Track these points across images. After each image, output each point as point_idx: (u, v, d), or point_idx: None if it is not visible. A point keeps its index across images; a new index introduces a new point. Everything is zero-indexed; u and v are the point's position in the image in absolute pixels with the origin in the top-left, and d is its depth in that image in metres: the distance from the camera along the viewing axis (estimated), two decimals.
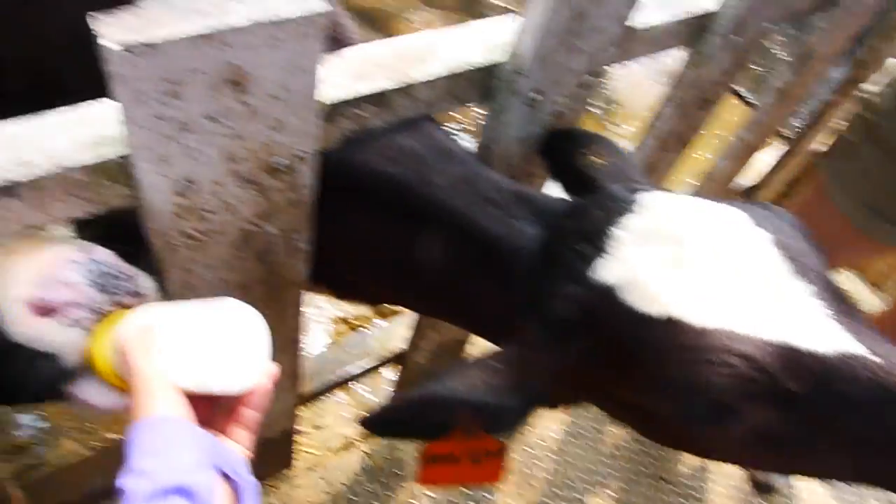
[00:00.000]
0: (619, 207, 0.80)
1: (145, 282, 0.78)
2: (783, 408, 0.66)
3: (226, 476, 0.63)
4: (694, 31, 1.25)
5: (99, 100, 0.73)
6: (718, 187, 2.03)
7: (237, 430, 0.72)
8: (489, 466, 0.94)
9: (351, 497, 1.92)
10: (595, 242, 0.77)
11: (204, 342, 0.69)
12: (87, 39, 0.60)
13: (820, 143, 2.65)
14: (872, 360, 0.65)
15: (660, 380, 0.69)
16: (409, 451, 2.04)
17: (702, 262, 0.71)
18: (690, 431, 0.72)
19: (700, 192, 2.07)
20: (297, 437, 1.97)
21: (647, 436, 0.86)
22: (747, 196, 2.49)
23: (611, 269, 0.74)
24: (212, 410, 0.72)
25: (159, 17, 0.61)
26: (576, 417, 2.24)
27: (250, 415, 0.73)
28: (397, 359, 1.99)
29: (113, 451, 1.59)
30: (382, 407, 0.80)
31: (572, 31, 0.96)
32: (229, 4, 0.64)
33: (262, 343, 0.73)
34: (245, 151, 0.77)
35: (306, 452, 2.05)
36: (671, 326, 0.67)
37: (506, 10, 3.25)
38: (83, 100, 0.75)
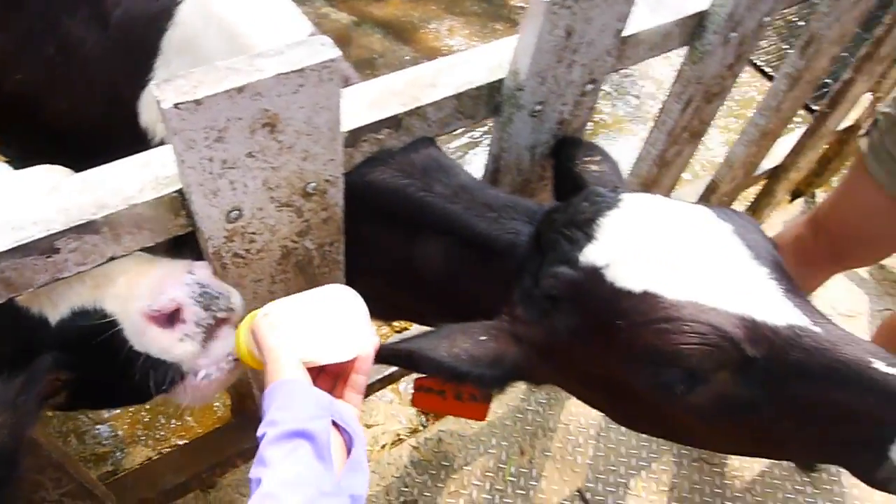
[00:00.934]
0: (605, 202, 0.91)
1: (236, 298, 0.94)
2: (743, 372, 0.76)
3: (338, 427, 0.77)
4: (689, 31, 1.33)
5: (158, 147, 0.87)
6: (739, 173, 2.08)
7: (349, 393, 0.86)
8: (473, 407, 1.09)
9: (402, 488, 2.04)
10: (584, 230, 0.88)
11: (315, 321, 0.84)
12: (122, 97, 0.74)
13: (852, 120, 2.66)
14: (815, 330, 0.76)
15: (637, 348, 0.78)
16: (455, 444, 2.15)
17: (674, 248, 0.82)
18: (663, 404, 0.82)
19: (721, 179, 2.13)
20: None
21: (620, 417, 0.96)
22: (772, 177, 2.52)
23: (597, 253, 0.85)
24: (328, 377, 0.86)
25: (204, 78, 0.74)
26: None
27: (359, 379, 0.86)
28: None
29: (183, 452, 1.75)
30: (383, 347, 0.91)
31: (566, 47, 1.06)
32: (259, 61, 0.77)
33: (362, 318, 0.88)
34: (280, 180, 0.90)
35: None
36: (648, 299, 0.78)
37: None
38: (120, 144, 0.91)
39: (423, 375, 1.25)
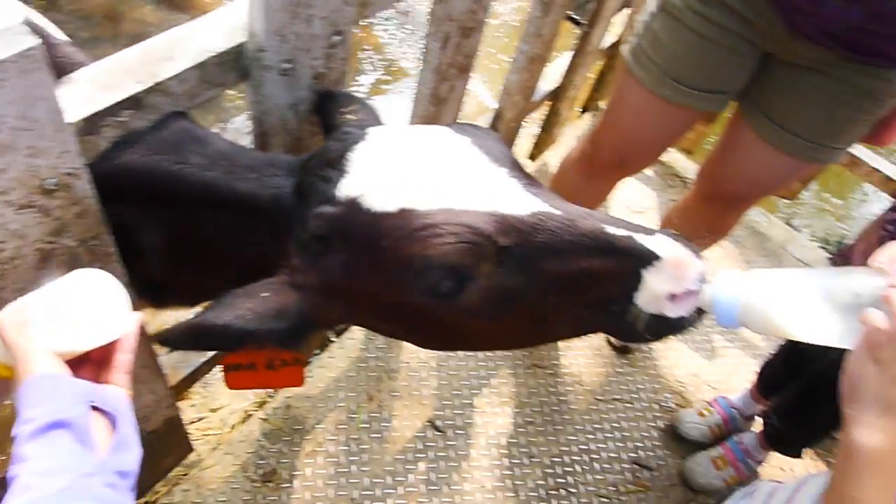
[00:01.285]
0: (352, 138, 0.97)
1: None
2: (501, 262, 0.86)
3: (104, 412, 0.77)
4: None
5: None
6: (518, 99, 2.23)
7: (117, 375, 0.85)
8: (288, 373, 1.13)
9: (258, 462, 2.05)
10: (336, 167, 0.93)
11: (65, 310, 0.81)
12: None
13: (616, 36, 2.90)
14: (555, 212, 0.87)
15: (403, 261, 0.85)
16: (304, 407, 2.18)
17: (420, 166, 0.89)
18: (444, 312, 0.90)
19: (504, 107, 2.26)
20: (189, 423, 2.07)
21: (418, 339, 1.04)
22: (554, 98, 2.72)
23: (351, 185, 0.90)
24: (92, 364, 0.85)
25: None
26: None
27: (122, 358, 0.86)
28: None
29: None
30: (168, 330, 0.93)
31: (299, 3, 1.07)
32: None
33: (117, 298, 0.87)
34: (11, 182, 0.85)
35: (208, 435, 2.15)
36: (404, 215, 0.85)
37: None
38: None
39: (227, 355, 1.25)
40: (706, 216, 2.00)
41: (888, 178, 2.72)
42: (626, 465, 2.27)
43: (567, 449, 2.26)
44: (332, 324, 1.07)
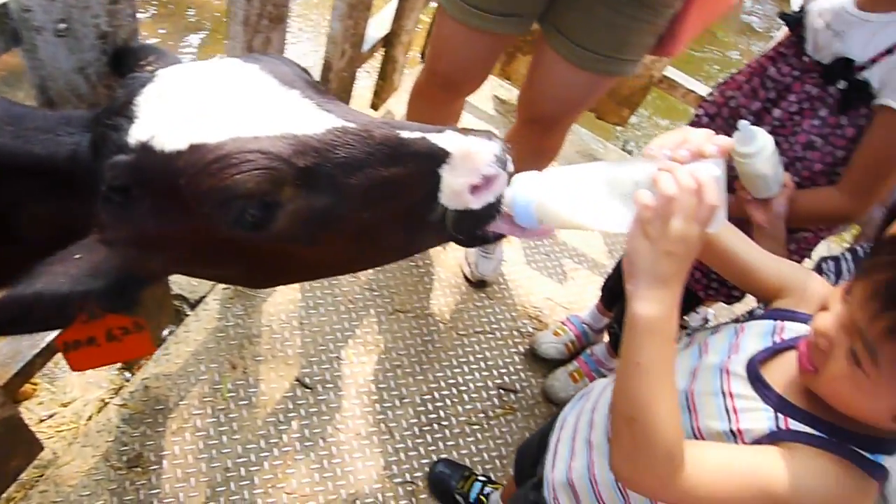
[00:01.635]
0: (139, 82, 0.92)
1: None
2: (305, 183, 0.86)
3: None
4: None
5: None
6: (347, 48, 2.20)
7: None
8: (133, 341, 1.08)
9: (122, 448, 1.98)
10: (125, 114, 0.89)
11: None
12: None
13: None
14: (350, 125, 0.88)
15: (203, 196, 0.83)
16: (164, 385, 2.11)
17: (209, 100, 0.87)
18: (262, 244, 0.89)
19: (331, 57, 2.23)
20: (38, 422, 1.96)
21: (246, 278, 1.02)
22: (387, 45, 2.71)
23: (141, 129, 0.87)
24: None
25: None
26: (309, 291, 2.44)
27: None
28: None
29: None
30: None
31: None
32: None
33: None
34: None
35: (62, 431, 2.04)
36: (196, 151, 0.83)
37: None
38: None
39: (59, 332, 1.17)
40: (531, 140, 2.13)
41: (701, 97, 2.97)
42: (493, 392, 2.40)
43: (436, 385, 2.35)
44: (157, 276, 1.02)
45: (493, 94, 3.36)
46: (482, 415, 2.33)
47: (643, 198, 0.83)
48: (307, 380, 2.24)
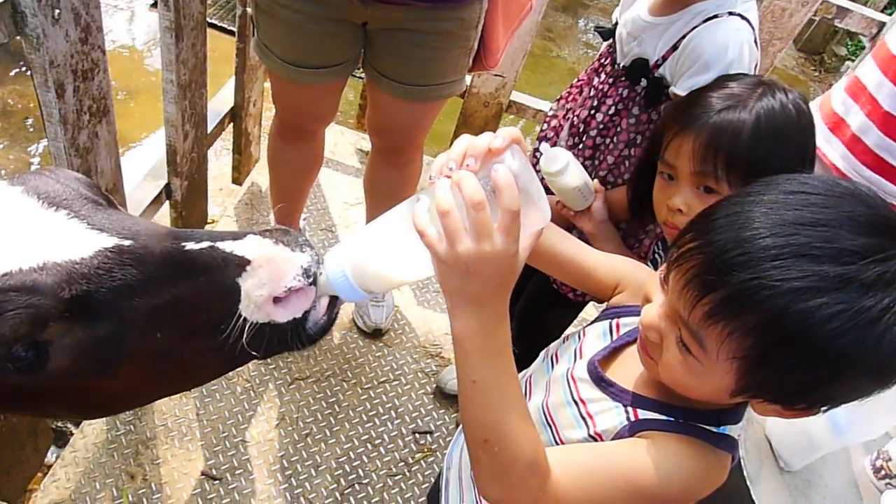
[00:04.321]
0: None
1: None
2: (76, 314, 0.77)
3: None
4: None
5: None
6: (189, 129, 2.18)
7: None
8: None
9: None
10: None
11: None
12: None
13: None
14: (125, 244, 0.79)
15: None
16: None
17: None
18: (49, 382, 0.79)
19: (173, 141, 2.19)
20: None
21: (70, 414, 0.91)
22: (235, 118, 2.70)
23: None
24: None
25: None
26: None
27: None
28: None
29: None
30: None
31: None
32: None
33: None
34: None
35: None
36: None
37: None
38: None
39: None
40: (388, 169, 2.24)
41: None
42: (409, 438, 2.37)
43: (350, 445, 2.30)
44: None
45: (357, 147, 3.40)
46: (402, 463, 2.30)
47: (418, 220, 0.75)
48: (214, 471, 2.14)
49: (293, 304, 0.84)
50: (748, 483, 1.28)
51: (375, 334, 2.63)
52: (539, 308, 2.13)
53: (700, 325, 0.81)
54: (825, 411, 0.85)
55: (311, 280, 0.84)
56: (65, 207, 0.82)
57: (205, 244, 0.82)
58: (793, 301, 0.74)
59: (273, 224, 2.75)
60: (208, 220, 2.86)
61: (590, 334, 1.13)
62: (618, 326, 1.09)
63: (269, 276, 0.81)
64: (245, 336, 0.83)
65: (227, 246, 0.82)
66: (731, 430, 0.94)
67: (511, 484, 0.83)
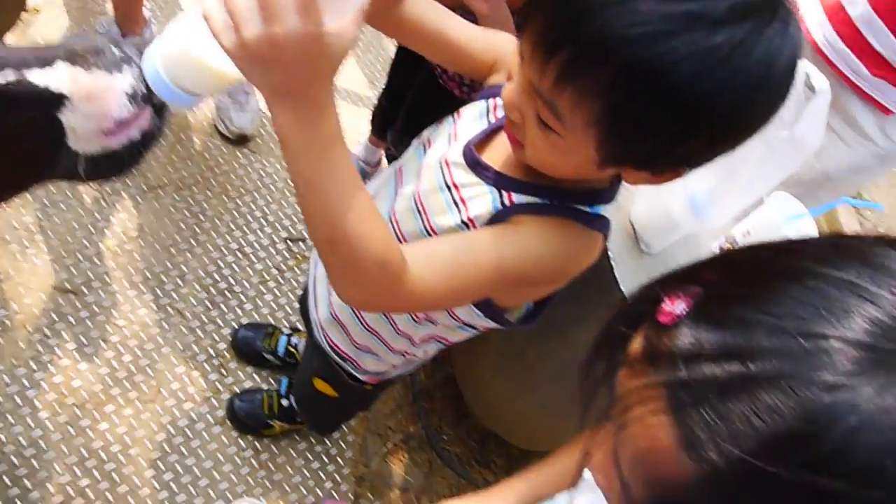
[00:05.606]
0: None
1: None
2: None
3: None
4: None
5: None
6: None
7: None
8: None
9: None
10: None
11: None
12: None
13: None
14: None
15: None
16: None
17: None
18: None
19: None
20: None
21: None
22: None
23: None
24: None
25: None
26: (40, 190, 2.11)
27: None
28: None
29: None
30: None
31: None
32: None
33: None
34: None
35: None
36: None
37: None
38: None
39: None
40: None
41: None
42: (282, 246, 2.31)
43: (218, 255, 2.21)
44: None
45: None
46: (275, 270, 2.25)
47: (206, 4, 0.64)
48: (66, 284, 1.99)
49: (127, 128, 0.76)
50: (612, 263, 1.34)
51: (240, 140, 2.44)
52: (426, 105, 2.02)
53: (552, 93, 0.75)
54: (690, 170, 0.85)
55: (140, 102, 0.76)
56: None
57: (10, 76, 0.69)
58: (640, 49, 0.68)
59: (109, 13, 2.38)
60: (26, 8, 2.41)
61: (465, 116, 1.05)
62: (495, 108, 1.01)
63: (91, 112, 0.72)
64: (80, 168, 0.76)
65: (37, 78, 0.70)
66: (605, 210, 0.93)
67: (363, 283, 0.79)
